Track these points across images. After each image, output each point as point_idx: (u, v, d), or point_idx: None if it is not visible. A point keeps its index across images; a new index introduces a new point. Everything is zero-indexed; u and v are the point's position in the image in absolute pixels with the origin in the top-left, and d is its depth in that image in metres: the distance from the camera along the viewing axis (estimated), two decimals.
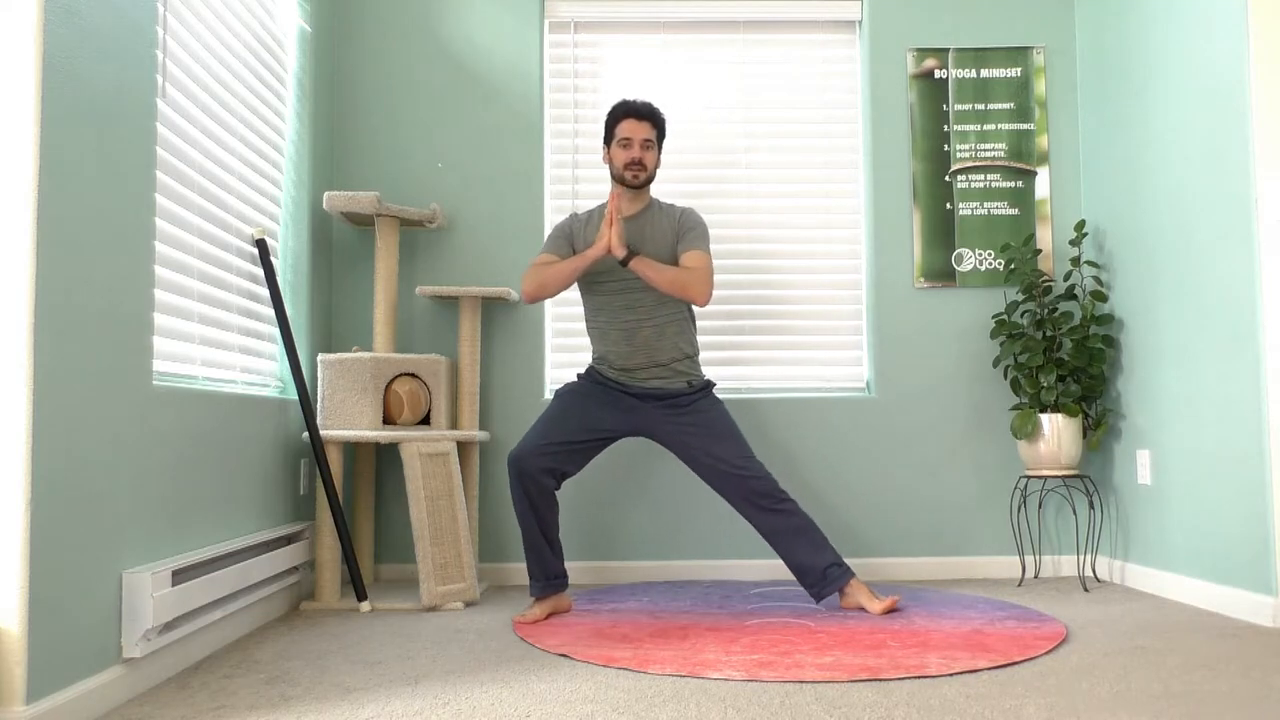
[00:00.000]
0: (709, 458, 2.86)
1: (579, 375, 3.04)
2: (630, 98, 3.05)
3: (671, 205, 3.03)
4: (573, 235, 2.98)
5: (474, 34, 3.66)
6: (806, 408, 3.58)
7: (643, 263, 2.81)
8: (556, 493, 2.86)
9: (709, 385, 2.99)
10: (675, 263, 2.90)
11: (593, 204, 3.66)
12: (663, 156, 3.69)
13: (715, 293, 3.62)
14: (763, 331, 3.66)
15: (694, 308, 3.03)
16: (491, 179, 3.62)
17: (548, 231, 3.65)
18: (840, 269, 3.71)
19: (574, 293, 3.62)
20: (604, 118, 3.68)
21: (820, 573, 2.82)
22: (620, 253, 2.78)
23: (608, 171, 3.66)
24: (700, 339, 3.46)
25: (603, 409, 2.92)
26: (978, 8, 3.71)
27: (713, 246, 3.62)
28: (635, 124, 2.94)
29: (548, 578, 2.83)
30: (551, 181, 3.69)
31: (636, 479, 3.55)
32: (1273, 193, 2.67)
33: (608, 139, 2.99)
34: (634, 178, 2.93)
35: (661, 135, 3.01)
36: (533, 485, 2.79)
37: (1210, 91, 2.89)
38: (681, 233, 2.93)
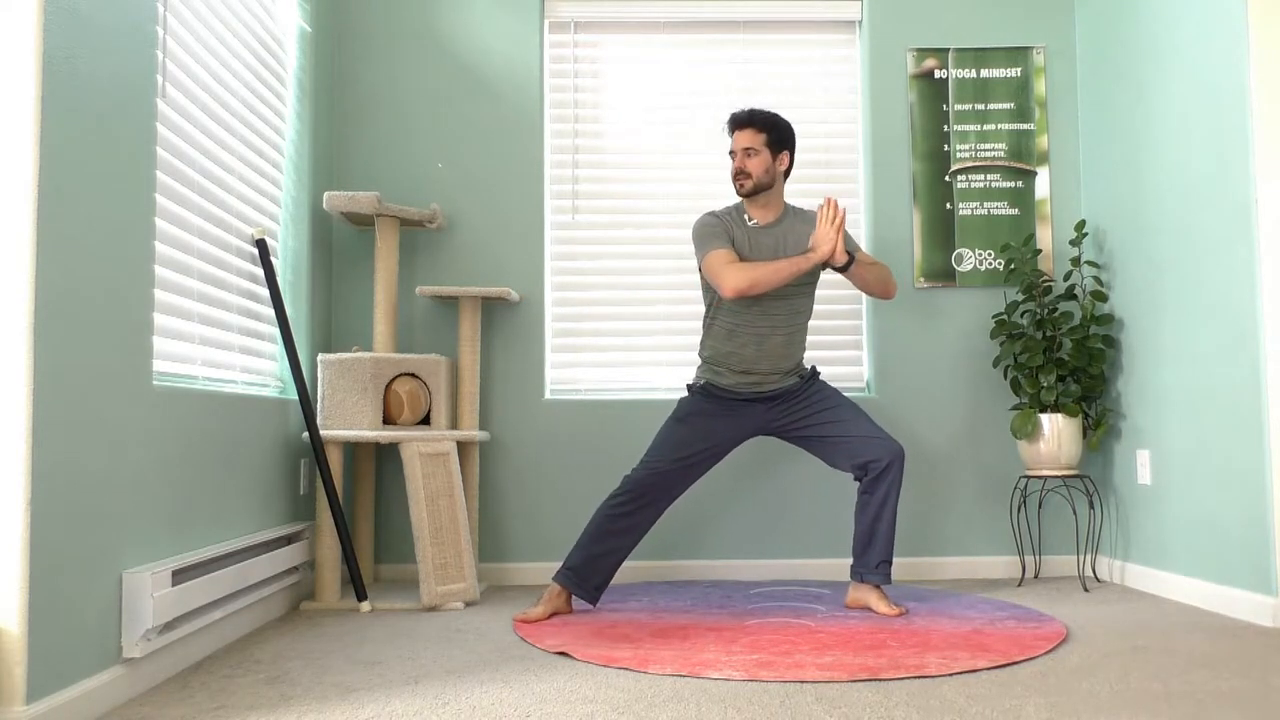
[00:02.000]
0: (843, 430, 2.85)
1: (689, 386, 2.99)
2: (740, 108, 2.99)
3: (804, 210, 3.02)
4: (730, 235, 2.91)
5: (474, 34, 3.66)
6: None
7: (859, 266, 2.85)
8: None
9: (815, 372, 3.01)
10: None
11: (593, 203, 3.66)
12: (663, 157, 3.71)
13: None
14: None
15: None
16: (491, 179, 3.62)
17: (548, 231, 3.65)
18: None
19: (576, 292, 3.65)
20: (604, 117, 3.73)
21: (874, 563, 2.83)
22: (842, 259, 2.78)
23: (610, 172, 3.71)
24: (695, 338, 3.45)
25: (724, 423, 2.90)
26: (978, 8, 3.71)
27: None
28: (736, 134, 2.93)
29: (585, 580, 2.80)
30: (551, 181, 3.69)
31: None
32: (1273, 193, 2.67)
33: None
34: (740, 187, 2.93)
35: (773, 138, 2.91)
36: (648, 507, 2.80)
37: (1210, 91, 2.89)
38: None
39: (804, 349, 3.00)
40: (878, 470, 2.80)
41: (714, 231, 2.90)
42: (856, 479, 2.87)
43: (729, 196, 3.68)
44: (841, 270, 2.82)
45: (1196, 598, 2.95)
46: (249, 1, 2.88)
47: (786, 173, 2.99)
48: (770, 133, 2.92)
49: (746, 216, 2.97)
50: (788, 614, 2.81)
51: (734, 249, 2.87)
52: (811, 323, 3.64)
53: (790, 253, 2.89)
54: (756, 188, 2.92)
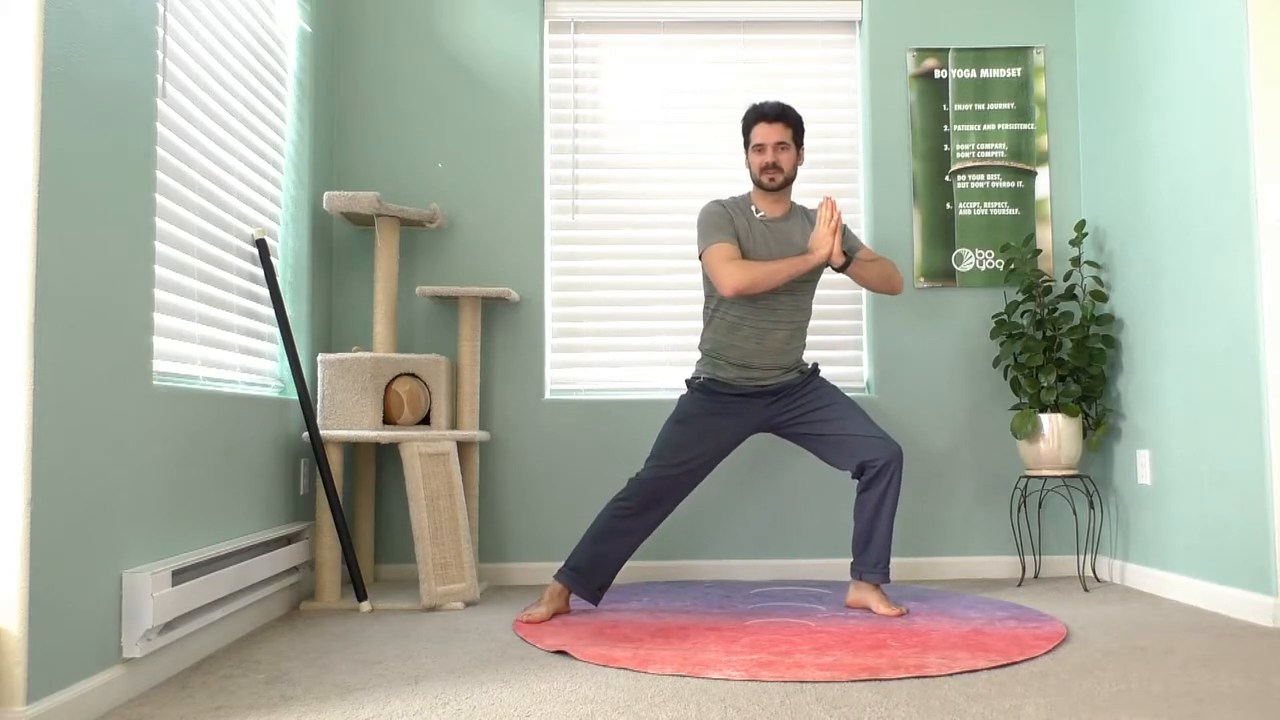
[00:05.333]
0: (840, 428, 2.85)
1: (688, 382, 2.97)
2: (762, 100, 2.98)
3: (809, 209, 3.01)
4: (735, 227, 2.90)
5: (474, 34, 3.66)
6: None
7: (857, 264, 2.85)
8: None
9: (815, 368, 3.01)
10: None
11: (598, 203, 3.66)
12: (663, 157, 3.72)
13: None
14: None
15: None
16: (491, 179, 3.62)
17: (548, 231, 3.65)
18: None
19: (576, 292, 3.65)
20: (604, 117, 3.73)
21: (881, 558, 2.83)
22: (840, 260, 2.80)
23: (610, 172, 3.71)
24: (695, 337, 3.45)
25: (726, 421, 2.89)
26: (978, 8, 3.71)
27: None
28: (766, 127, 2.90)
29: (594, 588, 2.80)
30: (551, 181, 3.69)
31: None
32: (1272, 193, 2.67)
33: (746, 143, 2.97)
34: (770, 181, 2.90)
35: (798, 134, 2.94)
36: (654, 509, 2.80)
37: (1210, 91, 2.89)
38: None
39: (804, 346, 3.00)
40: (875, 470, 2.80)
41: (718, 223, 2.88)
42: (854, 477, 2.87)
43: (728, 196, 3.70)
44: (841, 270, 2.84)
45: (1196, 598, 2.95)
46: (249, 1, 2.88)
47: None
48: (797, 128, 2.94)
49: (754, 208, 2.95)
50: (788, 614, 2.81)
51: (737, 242, 2.85)
52: (811, 323, 3.67)
53: (795, 249, 2.89)
54: (785, 182, 2.92)
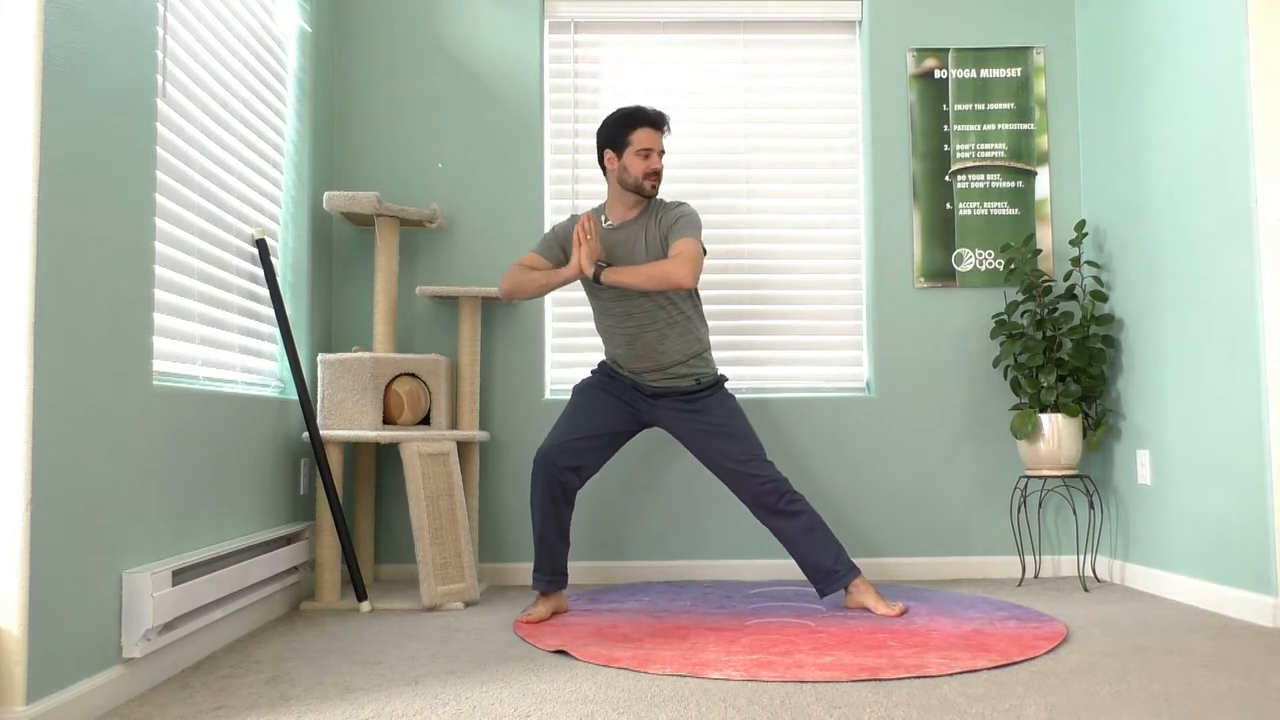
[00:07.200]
0: (717, 454, 2.86)
1: (593, 371, 3.04)
2: (641, 104, 2.96)
3: (663, 201, 2.96)
4: (563, 239, 2.97)
5: (474, 34, 3.66)
6: (806, 408, 3.58)
7: (614, 273, 2.76)
8: (578, 492, 2.91)
9: (719, 381, 2.97)
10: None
11: (596, 203, 3.66)
12: (664, 157, 3.71)
13: (717, 292, 3.63)
14: (763, 331, 3.66)
15: (701, 304, 3.00)
16: (491, 179, 3.62)
17: (548, 231, 3.65)
18: (840, 269, 3.71)
19: (576, 291, 3.65)
20: (604, 117, 3.71)
21: (825, 570, 2.83)
22: (589, 271, 2.75)
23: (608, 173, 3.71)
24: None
25: (620, 402, 2.94)
26: (978, 8, 3.71)
27: (715, 246, 3.63)
28: (654, 134, 2.88)
29: (555, 573, 2.84)
30: (551, 181, 3.69)
31: (637, 479, 3.55)
32: (1273, 193, 2.67)
33: (618, 144, 2.88)
34: (653, 188, 2.89)
35: None
36: (557, 483, 2.81)
37: (1210, 91, 2.89)
38: (671, 228, 2.85)
39: (691, 346, 2.90)
40: (765, 507, 2.83)
41: (547, 238, 3.00)
42: (749, 507, 2.89)
43: (728, 196, 3.71)
44: (596, 281, 2.78)
45: (1196, 598, 2.95)
46: (249, 1, 2.88)
47: None
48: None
49: (604, 218, 2.96)
50: (788, 614, 2.81)
51: (557, 255, 2.94)
52: (811, 323, 3.68)
53: (647, 249, 2.87)
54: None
